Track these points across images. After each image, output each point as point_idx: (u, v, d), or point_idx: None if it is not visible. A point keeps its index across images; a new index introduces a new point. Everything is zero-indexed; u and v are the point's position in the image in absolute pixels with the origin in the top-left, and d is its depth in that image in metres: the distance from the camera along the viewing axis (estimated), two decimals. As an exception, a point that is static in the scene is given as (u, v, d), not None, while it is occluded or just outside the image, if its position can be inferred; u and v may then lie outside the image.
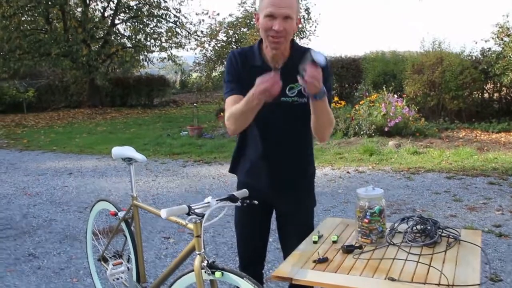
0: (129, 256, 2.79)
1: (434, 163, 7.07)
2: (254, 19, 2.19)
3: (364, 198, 2.12)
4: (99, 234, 3.24)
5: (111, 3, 17.95)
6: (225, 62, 13.39)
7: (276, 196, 2.31)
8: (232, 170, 2.46)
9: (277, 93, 1.89)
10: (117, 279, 2.72)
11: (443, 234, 2.14)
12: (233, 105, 2.11)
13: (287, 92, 2.14)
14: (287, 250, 2.30)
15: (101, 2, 18.11)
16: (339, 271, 1.88)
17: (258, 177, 2.29)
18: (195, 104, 12.97)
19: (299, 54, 2.03)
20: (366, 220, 2.10)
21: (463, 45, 11.86)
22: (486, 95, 11.02)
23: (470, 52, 10.87)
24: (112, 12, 17.98)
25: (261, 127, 2.22)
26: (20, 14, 15.87)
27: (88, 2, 17.32)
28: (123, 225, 2.75)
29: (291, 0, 2.02)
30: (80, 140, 10.77)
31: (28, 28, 16.68)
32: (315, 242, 2.18)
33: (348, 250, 2.03)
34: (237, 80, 2.17)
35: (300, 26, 13.49)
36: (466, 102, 10.14)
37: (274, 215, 2.44)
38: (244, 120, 2.09)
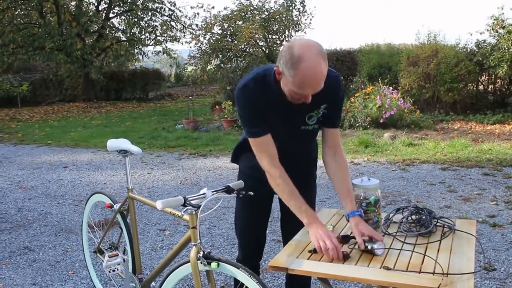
0: (125, 248, 2.79)
1: (429, 154, 7.10)
2: (275, 71, 2.07)
3: (360, 188, 2.13)
4: (94, 227, 3.24)
5: (105, -4, 17.87)
6: (220, 55, 13.39)
7: None
8: (235, 161, 2.47)
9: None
10: (113, 270, 2.72)
11: (438, 224, 2.15)
12: (268, 151, 2.10)
13: (307, 121, 2.17)
14: (289, 239, 2.31)
15: (95, -5, 18.04)
16: (335, 260, 1.88)
17: (261, 171, 2.26)
18: (190, 97, 12.95)
19: None
20: (362, 211, 2.10)
21: (458, 37, 11.93)
22: (481, 87, 11.03)
23: (465, 44, 10.88)
24: (106, 5, 17.88)
25: (276, 144, 2.16)
26: (13, 8, 15.78)
27: (82, -5, 17.23)
28: (119, 217, 2.75)
29: (324, 76, 1.90)
30: (75, 134, 10.74)
31: (22, 22, 16.58)
32: (310, 233, 2.18)
33: (344, 240, 2.04)
34: (260, 117, 2.09)
35: (295, 19, 13.51)
36: (461, 94, 10.16)
37: (277, 208, 2.46)
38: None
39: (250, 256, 2.46)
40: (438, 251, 1.91)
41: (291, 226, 2.38)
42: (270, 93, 2.06)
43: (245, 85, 2.08)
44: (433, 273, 1.72)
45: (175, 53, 18.61)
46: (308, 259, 1.92)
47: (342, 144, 2.35)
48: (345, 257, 1.89)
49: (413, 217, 2.18)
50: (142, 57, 19.40)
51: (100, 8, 18.04)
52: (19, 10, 16.51)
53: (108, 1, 17.75)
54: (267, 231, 3.94)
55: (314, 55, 1.84)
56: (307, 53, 1.84)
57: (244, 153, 2.37)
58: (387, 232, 2.12)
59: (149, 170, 6.91)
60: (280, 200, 2.44)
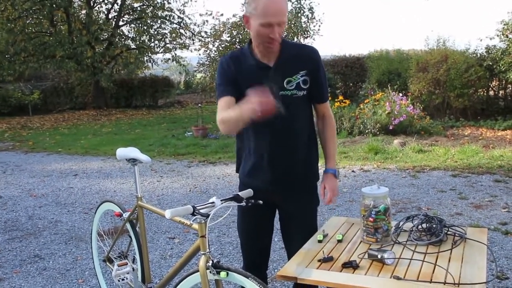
0: (134, 256, 2.79)
1: (439, 161, 7.04)
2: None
3: (369, 197, 2.11)
4: (104, 235, 3.24)
5: (115, 5, 17.99)
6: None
7: (279, 195, 2.30)
8: (238, 170, 2.46)
9: (270, 114, 1.83)
10: (123, 279, 2.72)
11: (448, 233, 2.13)
12: (224, 108, 2.11)
13: (285, 85, 2.17)
14: (291, 250, 2.30)
15: (105, 4, 18.18)
16: (344, 270, 1.87)
17: (260, 177, 2.27)
18: (199, 105, 12.99)
19: (289, 47, 2.18)
20: (371, 219, 2.09)
21: (468, 43, 11.85)
22: (491, 92, 10.97)
23: (475, 50, 10.83)
24: (116, 14, 18.01)
25: (261, 125, 2.13)
26: (25, 17, 15.94)
27: (92, 4, 17.37)
28: (128, 225, 2.76)
29: (284, 5, 2.06)
30: (85, 141, 10.80)
31: (33, 30, 16.74)
32: (320, 241, 2.17)
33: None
34: (228, 83, 2.19)
35: (304, 25, 13.53)
36: (471, 99, 10.10)
37: (277, 215, 2.44)
38: (236, 127, 2.11)
39: (253, 264, 2.44)
40: (449, 260, 1.89)
41: (291, 234, 2.37)
42: (246, 60, 2.20)
43: (224, 56, 2.27)
44: (444, 282, 1.70)
45: (184, 61, 18.69)
46: (317, 268, 1.90)
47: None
48: (354, 267, 1.88)
49: (424, 225, 2.16)
50: (152, 65, 19.50)
51: (110, 16, 18.18)
52: (30, 19, 16.68)
53: (118, 10, 17.88)
54: (276, 239, 3.93)
55: None
56: None
57: (240, 161, 2.38)
58: (397, 241, 2.10)
59: (159, 178, 6.92)
60: (279, 208, 2.41)
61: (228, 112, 2.05)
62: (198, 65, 14.28)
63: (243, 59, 2.21)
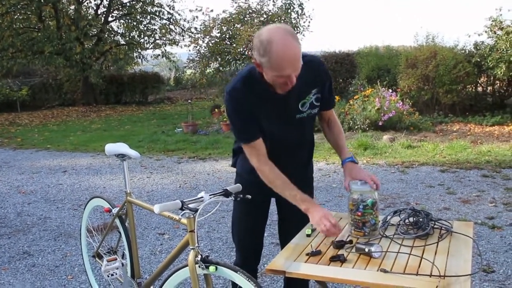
0: (123, 252, 2.79)
1: (428, 156, 7.10)
2: (253, 61, 2.08)
3: (357, 191, 2.13)
4: (93, 231, 3.24)
5: (104, 0, 17.88)
6: (219, 59, 13.41)
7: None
8: (234, 165, 2.47)
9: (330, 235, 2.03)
10: (112, 275, 2.72)
11: (435, 226, 2.16)
12: (261, 157, 2.13)
13: (300, 108, 2.18)
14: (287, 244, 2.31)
15: (94, -1, 18.06)
16: (332, 263, 1.89)
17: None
18: (189, 101, 12.96)
19: (302, 68, 2.00)
20: (359, 213, 2.10)
21: (456, 39, 11.88)
22: (479, 88, 11.05)
23: (464, 46, 10.90)
24: (105, 9, 17.89)
25: (273, 138, 2.21)
26: (12, 12, 15.78)
27: (81, 0, 17.24)
28: (117, 221, 2.76)
29: (298, 50, 1.94)
30: (74, 138, 10.74)
31: (21, 26, 16.57)
32: (308, 236, 2.19)
33: (339, 246, 2.03)
34: (249, 122, 2.11)
35: (294, 22, 13.51)
36: (460, 96, 10.17)
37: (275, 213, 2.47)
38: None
39: (248, 260, 2.46)
40: (435, 254, 1.91)
41: (289, 230, 2.38)
42: (259, 89, 2.08)
43: (233, 88, 2.10)
44: (430, 275, 1.72)
45: (174, 57, 18.63)
46: (306, 262, 1.92)
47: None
48: (342, 260, 1.89)
49: (411, 219, 2.18)
50: (141, 61, 19.41)
51: (99, 12, 18.05)
52: (18, 14, 16.52)
53: (107, 5, 17.77)
54: (266, 234, 3.94)
55: (281, 34, 1.90)
56: (275, 35, 1.89)
57: (240, 155, 2.37)
58: (384, 235, 2.12)
59: (148, 174, 6.91)
60: (278, 203, 2.45)
61: (277, 181, 2.11)
62: (188, 61, 14.20)
63: (257, 86, 2.09)
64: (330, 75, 2.27)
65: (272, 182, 2.13)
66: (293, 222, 2.37)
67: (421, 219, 2.15)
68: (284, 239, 2.42)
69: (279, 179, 2.12)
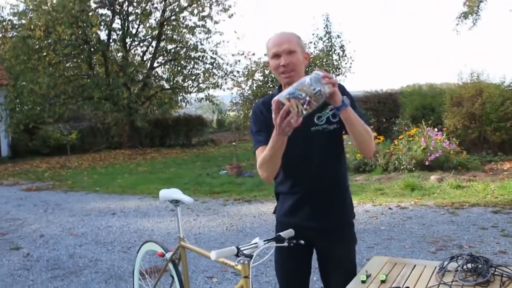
0: (176, 296, 2.82)
1: (478, 197, 6.89)
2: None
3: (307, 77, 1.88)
4: (145, 274, 3.29)
5: (150, 47, 18.61)
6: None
7: (317, 233, 2.31)
8: (275, 211, 2.49)
9: (295, 124, 1.85)
10: (166, 320, 2.75)
11: (496, 273, 2.09)
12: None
13: (315, 121, 2.23)
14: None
15: (141, 46, 18.82)
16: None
17: (298, 214, 2.30)
18: (233, 143, 13.11)
19: None
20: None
21: (502, 76, 11.69)
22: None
23: (510, 83, 10.70)
24: (151, 55, 18.61)
25: (297, 162, 2.26)
26: (65, 61, 16.63)
27: (128, 47, 18.01)
28: (170, 265, 2.80)
29: (289, 36, 2.22)
30: (122, 180, 11.01)
31: (72, 73, 17.41)
32: (363, 282, 2.16)
33: None
34: (263, 130, 2.24)
35: (335, 63, 13.66)
36: (509, 133, 9.90)
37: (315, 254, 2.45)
38: (274, 164, 2.13)
39: None
40: (497, 302, 1.85)
41: (330, 274, 2.36)
42: None
43: (256, 104, 2.39)
44: (494, 325, 1.67)
45: (217, 100, 19.03)
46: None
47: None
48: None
49: (469, 265, 2.13)
50: (185, 104, 19.91)
51: (145, 58, 18.80)
52: (70, 63, 17.38)
53: (152, 52, 18.48)
54: (315, 278, 3.89)
55: (282, 30, 2.24)
56: (277, 31, 2.24)
57: (277, 201, 2.42)
58: (442, 282, 2.07)
59: (195, 217, 6.99)
60: (317, 247, 2.41)
61: (264, 153, 2.13)
62: (232, 104, 14.51)
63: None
64: (348, 94, 2.22)
65: (262, 160, 2.14)
66: (335, 267, 2.35)
67: (480, 265, 2.09)
68: (328, 285, 2.40)
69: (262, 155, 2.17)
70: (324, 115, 2.23)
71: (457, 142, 9.36)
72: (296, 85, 1.87)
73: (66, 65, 16.97)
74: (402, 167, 8.97)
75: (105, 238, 6.12)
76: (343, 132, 2.29)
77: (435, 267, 2.23)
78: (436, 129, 9.57)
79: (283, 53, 2.16)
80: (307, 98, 1.83)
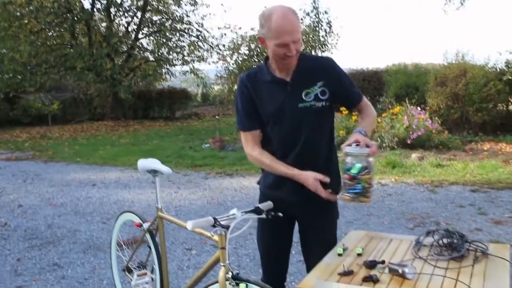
0: (153, 267, 2.81)
1: (458, 176, 6.98)
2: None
3: (350, 154, 2.04)
4: (123, 245, 3.27)
5: (135, 18, 18.28)
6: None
7: (300, 207, 2.31)
8: (259, 182, 2.48)
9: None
10: (142, 289, 2.74)
11: (470, 248, 2.11)
12: (255, 146, 2.30)
13: (303, 97, 2.20)
14: (310, 263, 2.30)
15: (125, 17, 18.47)
16: (365, 284, 1.86)
17: (282, 188, 2.29)
18: (217, 117, 13.05)
19: (305, 60, 2.21)
20: (347, 176, 2.04)
21: (487, 57, 11.70)
22: (511, 107, 10.84)
23: (495, 64, 10.74)
24: (135, 26, 18.29)
25: (284, 137, 2.25)
26: (47, 30, 16.26)
27: (112, 17, 17.65)
28: (148, 236, 2.78)
29: (296, 22, 2.11)
30: (104, 152, 10.92)
31: (54, 43, 17.06)
32: (340, 255, 2.17)
33: (371, 265, 2.00)
34: (249, 112, 2.28)
35: (322, 39, 13.56)
36: (490, 114, 9.99)
37: (296, 227, 2.44)
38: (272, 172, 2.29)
39: (271, 278, 2.44)
40: (471, 276, 1.87)
41: (311, 247, 2.37)
42: (263, 76, 2.24)
43: (241, 79, 2.32)
44: (466, 299, 1.68)
45: (202, 73, 18.85)
46: (337, 282, 1.90)
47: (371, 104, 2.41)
48: (375, 281, 1.87)
49: (445, 240, 2.14)
50: (170, 77, 19.69)
51: (129, 29, 18.47)
52: (52, 31, 17.01)
53: (137, 23, 18.15)
54: (293, 252, 3.92)
55: (282, 7, 2.09)
56: (276, 7, 2.09)
57: (262, 173, 2.42)
58: (417, 256, 2.09)
59: (176, 189, 6.97)
60: (299, 220, 2.42)
61: (268, 161, 2.24)
62: (216, 77, 14.38)
63: (260, 75, 2.26)
64: (342, 72, 2.28)
65: (261, 162, 2.29)
66: (316, 240, 2.35)
67: (455, 241, 2.11)
68: (307, 256, 2.42)
69: (268, 158, 2.26)
70: (312, 92, 2.20)
71: (440, 122, 9.42)
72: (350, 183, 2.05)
73: (49, 34, 16.61)
74: (384, 145, 9.02)
75: (85, 208, 6.08)
76: (347, 107, 2.31)
77: (411, 242, 2.25)
78: (419, 108, 9.61)
79: (291, 43, 2.07)
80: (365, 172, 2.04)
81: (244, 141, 2.35)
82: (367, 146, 2.02)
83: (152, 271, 2.83)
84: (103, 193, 6.86)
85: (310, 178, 2.13)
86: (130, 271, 2.99)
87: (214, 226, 1.94)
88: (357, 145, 2.04)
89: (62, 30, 16.98)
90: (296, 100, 2.18)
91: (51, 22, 15.74)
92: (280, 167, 2.22)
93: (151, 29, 18.77)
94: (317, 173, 2.14)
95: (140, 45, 18.97)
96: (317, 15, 14.37)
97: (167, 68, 19.08)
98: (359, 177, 2.03)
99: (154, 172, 2.68)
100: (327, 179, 2.12)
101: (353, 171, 2.02)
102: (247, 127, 2.31)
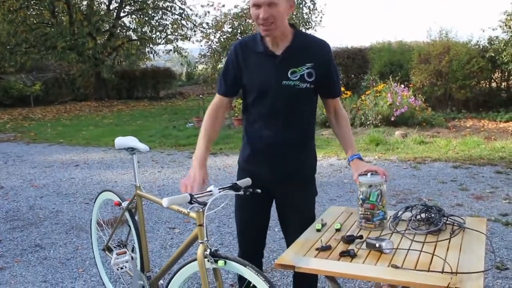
0: (133, 245, 2.79)
1: (440, 152, 7.03)
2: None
3: (366, 183, 2.11)
4: (103, 225, 3.24)
5: (116, -5, 17.95)
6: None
7: (277, 184, 2.30)
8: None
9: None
10: (122, 268, 2.73)
11: (447, 222, 2.13)
12: (215, 107, 2.34)
13: (289, 75, 2.16)
14: (289, 239, 2.31)
15: (107, -6, 18.12)
16: (342, 258, 1.87)
17: (260, 164, 2.28)
18: (201, 96, 12.96)
19: (301, 38, 2.19)
20: (371, 206, 2.09)
21: (470, 34, 11.75)
22: (493, 84, 10.93)
23: (478, 41, 10.78)
24: (117, 4, 17.96)
25: (264, 112, 2.23)
26: (26, 8, 15.89)
27: (93, -5, 17.32)
28: (127, 215, 2.76)
29: None
30: (87, 132, 10.80)
31: (34, 21, 16.69)
32: (318, 230, 2.17)
33: (349, 240, 2.01)
34: (228, 76, 2.29)
35: (305, 17, 13.45)
36: (473, 91, 10.07)
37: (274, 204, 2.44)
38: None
39: (248, 254, 2.43)
40: (447, 250, 1.89)
41: (290, 224, 2.37)
42: (255, 47, 2.22)
43: (234, 45, 2.30)
44: (442, 271, 1.70)
45: (185, 52, 18.65)
46: (315, 257, 1.90)
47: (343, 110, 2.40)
48: (352, 256, 1.87)
49: (422, 215, 2.16)
50: (153, 56, 19.47)
51: (111, 7, 18.13)
52: (31, 10, 16.63)
53: (119, 0, 17.82)
54: (276, 229, 3.93)
55: None
56: None
57: (243, 149, 2.40)
58: (395, 230, 2.10)
59: (160, 169, 6.93)
60: (276, 198, 2.41)
61: (201, 135, 2.34)
62: (200, 56, 14.24)
63: (253, 45, 2.23)
64: (333, 62, 2.26)
65: (201, 127, 2.36)
66: (294, 216, 2.36)
67: (433, 215, 2.13)
68: (286, 232, 2.42)
69: (203, 130, 2.34)
70: (299, 72, 2.17)
71: (423, 99, 9.47)
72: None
73: (27, 12, 16.22)
74: (368, 122, 9.05)
75: (67, 189, 6.02)
76: (322, 95, 2.30)
77: (390, 217, 2.25)
78: (403, 86, 9.64)
79: (263, 5, 2.04)
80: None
81: (212, 102, 2.37)
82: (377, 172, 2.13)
83: (133, 250, 2.81)
84: (86, 174, 6.80)
85: (184, 180, 2.16)
86: (110, 250, 2.97)
87: (191, 203, 1.92)
88: (372, 174, 2.13)
89: (42, 8, 16.61)
90: (281, 77, 2.16)
91: (30, 0, 15.39)
92: (198, 145, 2.31)
93: (133, 7, 18.46)
94: (201, 178, 2.17)
95: (122, 24, 18.67)
96: (301, -8, 14.22)
97: (150, 47, 18.83)
98: (379, 204, 2.11)
99: (131, 149, 2.65)
100: (194, 191, 2.08)
101: (372, 199, 2.11)
102: (220, 91, 2.34)
